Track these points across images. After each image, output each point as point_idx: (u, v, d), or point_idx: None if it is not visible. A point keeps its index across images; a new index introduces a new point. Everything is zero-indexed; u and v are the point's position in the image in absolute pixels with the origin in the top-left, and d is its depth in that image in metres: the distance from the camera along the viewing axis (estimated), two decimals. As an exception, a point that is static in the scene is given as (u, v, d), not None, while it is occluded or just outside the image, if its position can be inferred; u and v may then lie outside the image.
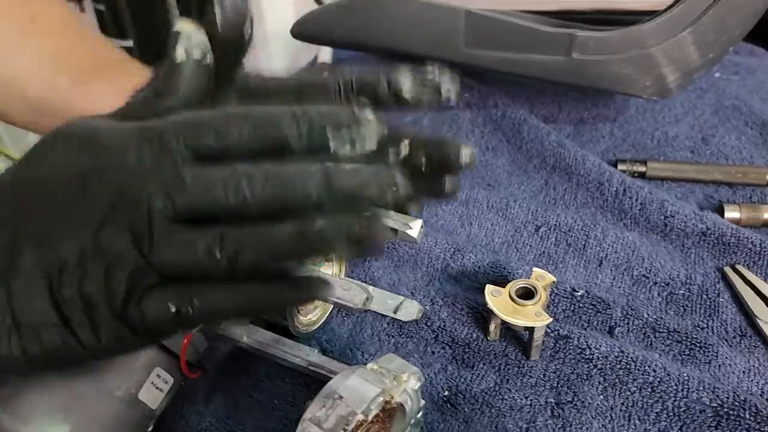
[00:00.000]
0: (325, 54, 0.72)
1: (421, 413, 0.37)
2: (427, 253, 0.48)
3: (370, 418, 0.32)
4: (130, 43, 1.08)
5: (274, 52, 0.87)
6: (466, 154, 0.33)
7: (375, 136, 0.28)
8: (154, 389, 0.36)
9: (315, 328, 0.44)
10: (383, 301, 0.45)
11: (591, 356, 0.41)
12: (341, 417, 0.31)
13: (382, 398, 0.32)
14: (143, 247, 0.26)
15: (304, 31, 0.56)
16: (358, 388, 0.32)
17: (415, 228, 0.41)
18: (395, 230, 0.42)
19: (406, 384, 0.34)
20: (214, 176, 0.26)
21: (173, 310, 0.26)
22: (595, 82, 0.54)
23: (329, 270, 0.44)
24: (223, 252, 0.26)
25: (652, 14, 0.51)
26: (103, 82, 0.49)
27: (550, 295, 0.44)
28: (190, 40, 0.30)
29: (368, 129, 0.28)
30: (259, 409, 0.40)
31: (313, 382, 0.40)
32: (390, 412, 0.34)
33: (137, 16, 1.07)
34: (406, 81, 0.32)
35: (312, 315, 0.44)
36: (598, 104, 0.63)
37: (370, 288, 0.46)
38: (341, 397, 0.31)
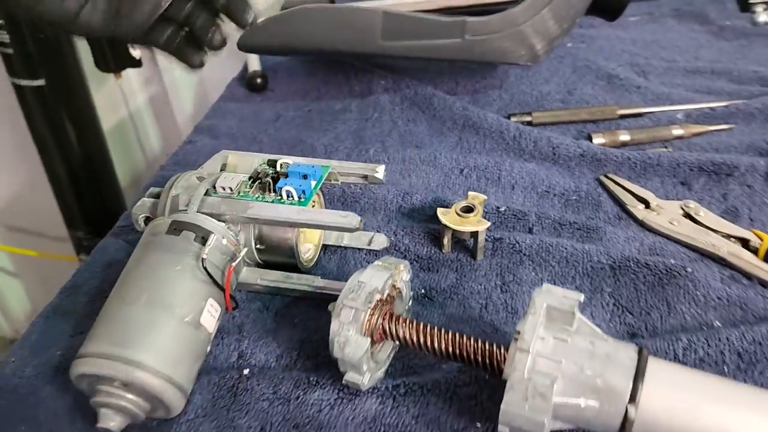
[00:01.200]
0: (254, 62, 0.83)
1: (411, 302, 0.50)
2: (383, 200, 0.61)
3: (384, 296, 0.44)
4: (42, 82, 1.12)
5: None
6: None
7: None
8: (209, 316, 0.46)
9: (312, 264, 0.56)
10: (357, 238, 0.58)
11: (520, 248, 0.55)
12: (367, 294, 0.43)
13: (390, 281, 0.45)
14: None
15: (248, 42, 0.67)
16: (374, 275, 0.44)
17: (380, 171, 0.55)
18: (365, 176, 0.55)
19: (402, 273, 0.47)
20: None
21: None
22: (484, 57, 0.69)
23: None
24: None
25: (520, 1, 0.67)
26: None
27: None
28: None
29: None
30: (284, 329, 0.51)
31: (321, 303, 0.52)
32: (392, 298, 0.47)
33: (46, 57, 1.11)
34: None
35: (308, 254, 0.55)
36: (486, 76, 0.79)
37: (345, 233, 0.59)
38: (363, 283, 0.44)
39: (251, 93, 0.81)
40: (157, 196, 0.55)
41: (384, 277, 0.44)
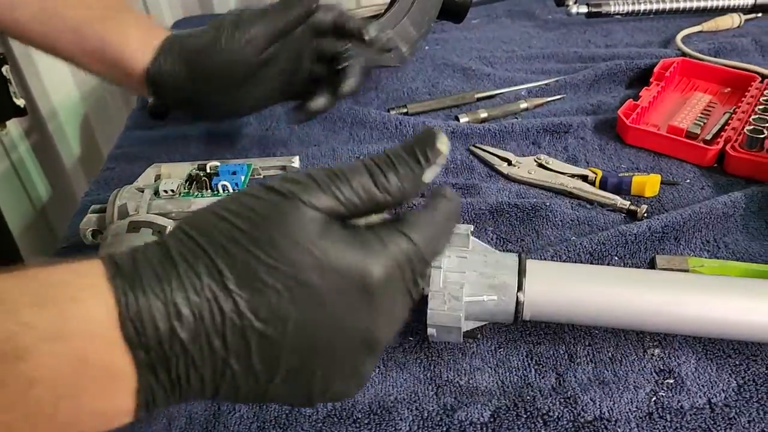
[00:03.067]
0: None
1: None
2: (297, 190, 0.72)
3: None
4: None
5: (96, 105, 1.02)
6: None
7: None
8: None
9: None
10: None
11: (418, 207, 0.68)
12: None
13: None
14: None
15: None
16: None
17: (296, 161, 0.66)
18: (283, 167, 0.65)
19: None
20: None
21: None
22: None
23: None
24: None
25: (385, 12, 0.80)
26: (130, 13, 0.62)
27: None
28: None
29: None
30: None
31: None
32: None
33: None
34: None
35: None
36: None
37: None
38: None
39: (155, 120, 0.89)
40: (99, 211, 0.62)
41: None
